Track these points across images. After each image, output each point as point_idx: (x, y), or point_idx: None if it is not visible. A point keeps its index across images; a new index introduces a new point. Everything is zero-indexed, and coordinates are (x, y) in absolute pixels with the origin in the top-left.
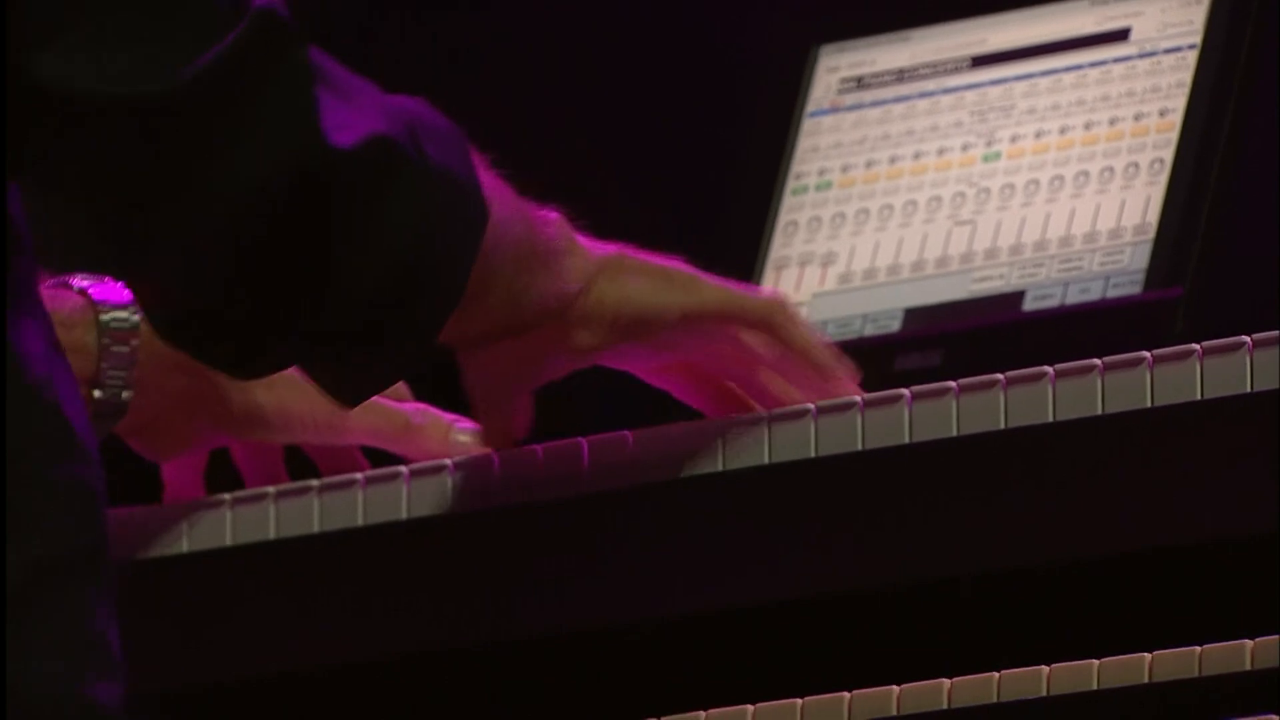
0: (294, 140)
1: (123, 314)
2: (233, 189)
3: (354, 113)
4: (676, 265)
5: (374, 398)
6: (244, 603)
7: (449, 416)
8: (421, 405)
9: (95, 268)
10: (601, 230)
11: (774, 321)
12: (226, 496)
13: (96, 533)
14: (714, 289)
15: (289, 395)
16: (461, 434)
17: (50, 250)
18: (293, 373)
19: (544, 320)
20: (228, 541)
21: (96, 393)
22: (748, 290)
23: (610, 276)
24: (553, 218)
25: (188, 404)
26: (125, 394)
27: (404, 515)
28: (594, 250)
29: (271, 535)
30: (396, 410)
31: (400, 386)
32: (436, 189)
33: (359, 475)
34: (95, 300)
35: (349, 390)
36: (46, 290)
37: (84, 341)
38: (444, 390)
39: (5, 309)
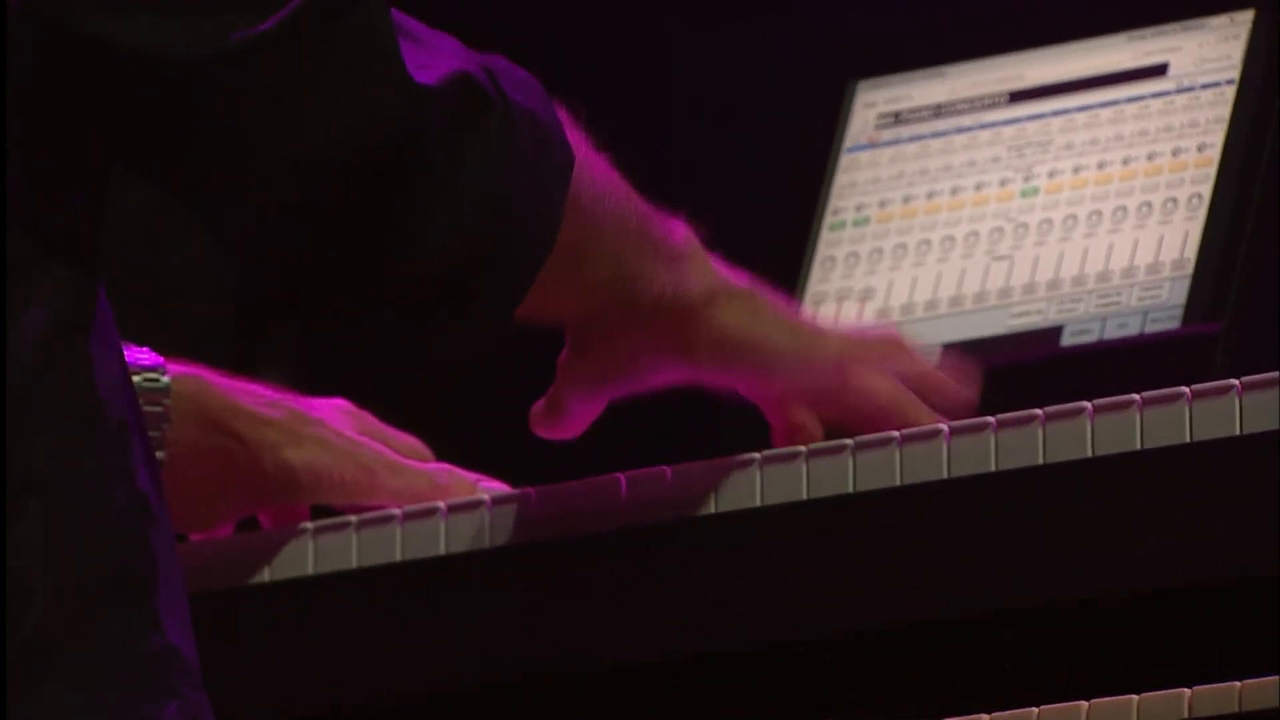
0: (378, 80)
1: (153, 375)
2: (320, 132)
3: (432, 55)
4: (801, 314)
5: (398, 458)
6: (280, 637)
7: (472, 476)
8: (445, 465)
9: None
10: None
11: (893, 357)
12: (264, 532)
13: (153, 553)
14: (834, 336)
15: (318, 454)
16: (485, 493)
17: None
18: (320, 433)
19: (661, 314)
20: (267, 578)
21: None
22: (863, 332)
23: (740, 304)
24: (678, 225)
25: (221, 469)
26: (159, 453)
27: (442, 550)
28: (726, 273)
29: (310, 570)
30: (421, 471)
31: (423, 448)
32: (520, 126)
33: (396, 511)
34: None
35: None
36: None
37: None
38: (466, 452)
39: (5, 306)
